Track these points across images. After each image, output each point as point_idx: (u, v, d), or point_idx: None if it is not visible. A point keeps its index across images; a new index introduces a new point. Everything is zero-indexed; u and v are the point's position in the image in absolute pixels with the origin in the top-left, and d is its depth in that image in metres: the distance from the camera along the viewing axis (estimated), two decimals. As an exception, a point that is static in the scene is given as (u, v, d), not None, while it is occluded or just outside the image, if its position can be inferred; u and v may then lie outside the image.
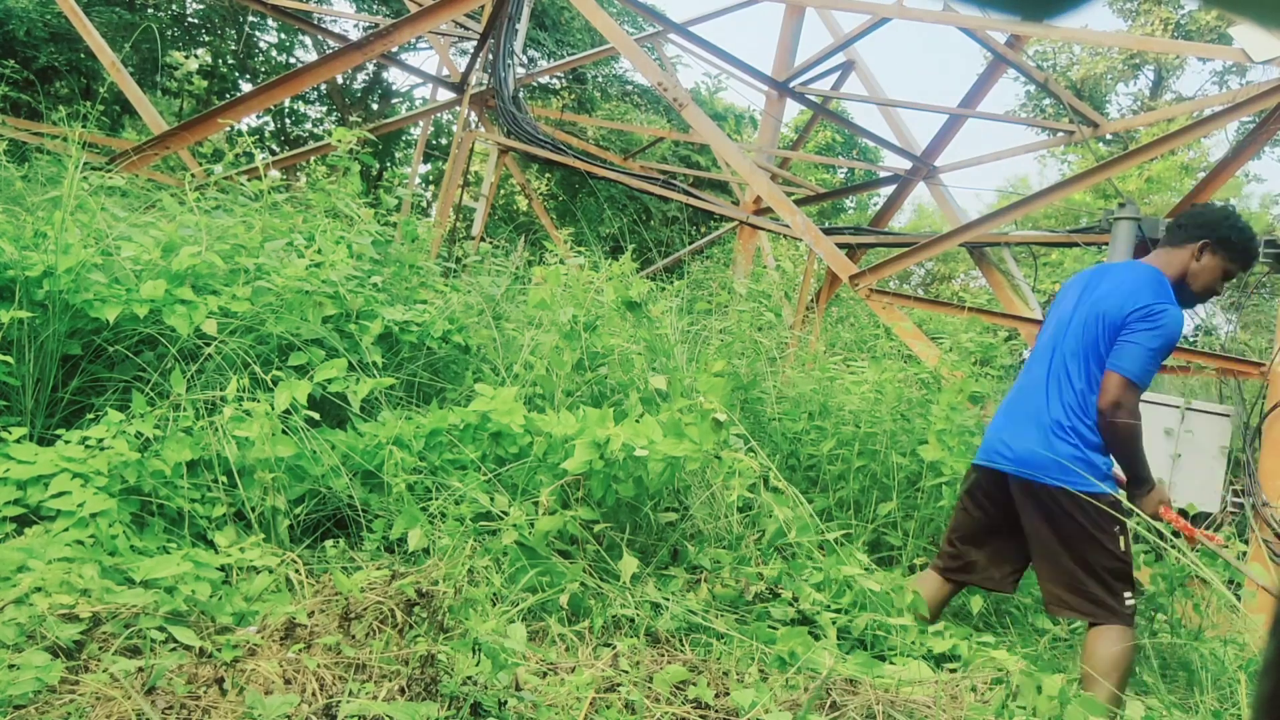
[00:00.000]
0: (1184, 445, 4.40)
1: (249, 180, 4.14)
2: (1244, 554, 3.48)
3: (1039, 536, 2.71)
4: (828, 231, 6.89)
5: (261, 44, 14.10)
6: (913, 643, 2.67)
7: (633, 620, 2.52)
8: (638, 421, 2.77)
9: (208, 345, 2.95)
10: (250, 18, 13.16)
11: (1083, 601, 2.63)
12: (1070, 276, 2.94)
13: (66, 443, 2.49)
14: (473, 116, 8.47)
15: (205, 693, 1.77)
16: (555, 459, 2.83)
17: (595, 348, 3.57)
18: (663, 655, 2.38)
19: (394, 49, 7.72)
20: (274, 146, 14.06)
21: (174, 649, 1.90)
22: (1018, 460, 2.71)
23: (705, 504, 3.22)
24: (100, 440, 2.48)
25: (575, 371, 3.48)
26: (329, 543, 2.63)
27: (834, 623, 2.66)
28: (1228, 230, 2.71)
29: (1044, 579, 2.73)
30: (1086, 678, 2.57)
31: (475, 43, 7.73)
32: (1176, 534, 3.06)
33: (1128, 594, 2.64)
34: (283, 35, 13.87)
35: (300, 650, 1.93)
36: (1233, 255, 2.73)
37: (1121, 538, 2.65)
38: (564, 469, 2.71)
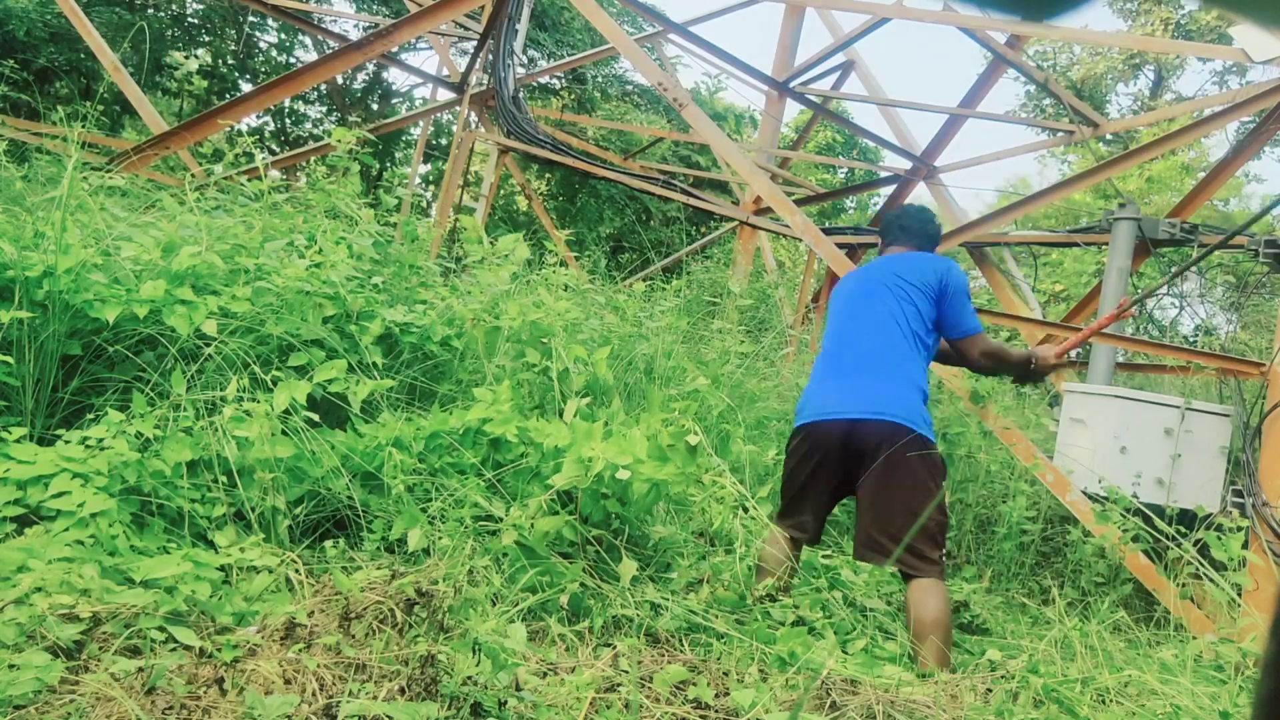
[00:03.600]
0: (1184, 445, 4.39)
1: (249, 180, 4.14)
2: (1243, 561, 3.49)
3: (875, 486, 2.83)
4: (828, 231, 6.89)
5: (261, 44, 14.09)
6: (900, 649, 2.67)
7: (633, 620, 2.52)
8: (621, 424, 2.77)
9: (208, 345, 2.95)
10: (250, 18, 13.15)
11: (906, 554, 2.77)
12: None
13: (66, 443, 2.49)
14: (473, 116, 8.47)
15: (205, 693, 1.77)
16: (547, 470, 2.83)
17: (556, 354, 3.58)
18: (663, 655, 2.38)
19: (394, 49, 7.72)
20: (274, 146, 14.05)
21: (174, 649, 1.90)
22: (872, 410, 2.86)
23: (688, 519, 3.23)
24: (100, 440, 2.48)
25: (544, 375, 3.50)
26: (329, 543, 2.63)
27: (831, 626, 2.66)
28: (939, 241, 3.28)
29: (871, 527, 2.84)
30: (916, 630, 2.70)
31: (475, 43, 7.73)
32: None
33: (944, 549, 2.85)
34: (283, 35, 13.85)
35: (300, 650, 1.93)
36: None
37: (945, 495, 2.91)
38: (550, 484, 2.71)
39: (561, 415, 3.06)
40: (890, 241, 3.27)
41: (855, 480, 2.93)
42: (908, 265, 3.05)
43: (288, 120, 14.61)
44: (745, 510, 3.12)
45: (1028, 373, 3.17)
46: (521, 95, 7.86)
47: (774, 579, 2.90)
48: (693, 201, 6.81)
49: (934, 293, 2.99)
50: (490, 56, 7.73)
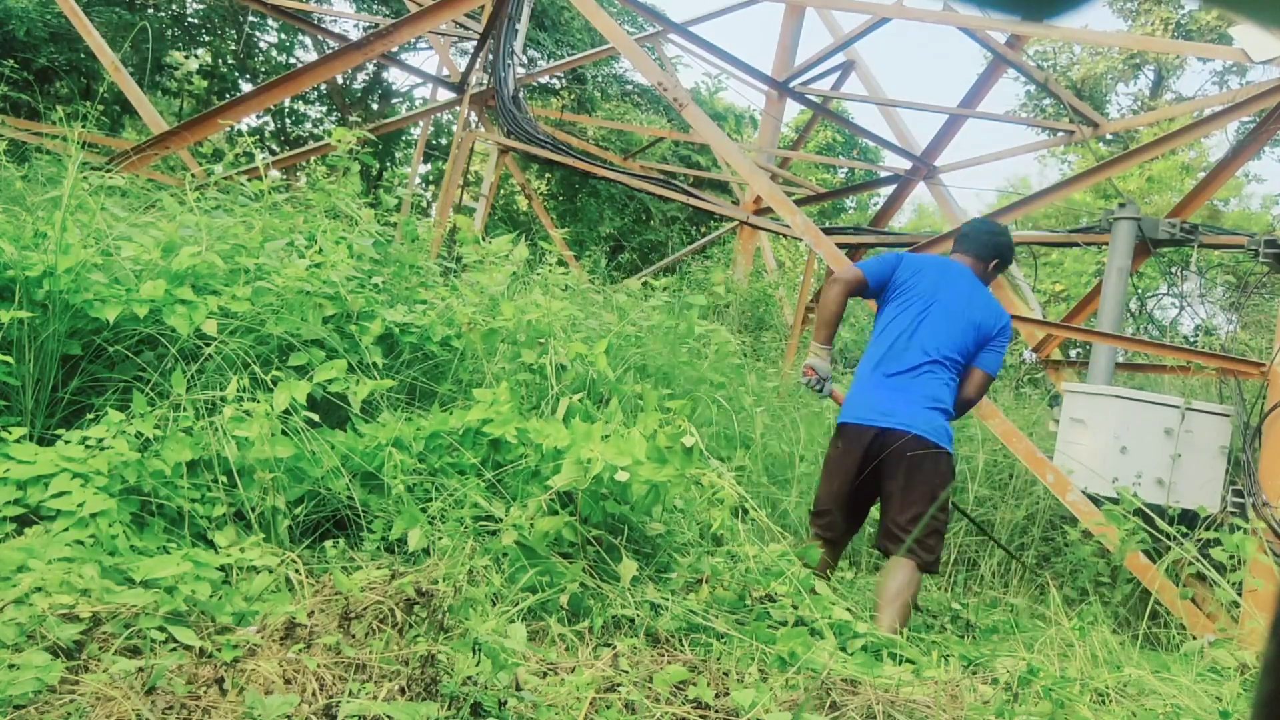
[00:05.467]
0: (1184, 445, 4.39)
1: (249, 180, 4.14)
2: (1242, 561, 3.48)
3: (903, 485, 3.22)
4: (828, 231, 6.89)
5: (261, 44, 14.07)
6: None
7: (633, 620, 2.52)
8: (621, 425, 2.77)
9: (208, 345, 2.95)
10: (250, 18, 13.14)
11: (918, 545, 3.18)
12: (924, 260, 3.51)
13: (66, 443, 2.49)
14: (473, 116, 8.46)
15: (205, 693, 1.77)
16: (547, 470, 2.82)
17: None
18: (663, 655, 2.38)
19: (394, 49, 7.72)
20: (274, 146, 14.03)
21: (174, 649, 1.90)
22: (904, 422, 3.23)
23: (688, 522, 3.23)
24: (100, 440, 2.48)
25: (540, 376, 3.52)
26: (329, 543, 2.63)
27: (831, 626, 2.66)
28: (1009, 253, 3.60)
29: (895, 522, 3.24)
30: (882, 596, 3.11)
31: (475, 43, 7.73)
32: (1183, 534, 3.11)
33: (938, 545, 3.29)
34: (283, 35, 13.84)
35: (300, 650, 1.93)
36: (1004, 269, 3.63)
37: (948, 495, 3.37)
38: (549, 485, 2.70)
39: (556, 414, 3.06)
40: (959, 249, 3.55)
41: (877, 482, 3.30)
42: (982, 309, 3.37)
43: (288, 120, 14.60)
44: (745, 511, 3.12)
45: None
46: (521, 95, 7.85)
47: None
48: (693, 201, 6.80)
49: (989, 338, 3.38)
50: (490, 56, 7.72)
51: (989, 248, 3.49)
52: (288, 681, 1.83)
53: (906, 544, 3.16)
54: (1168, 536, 3.70)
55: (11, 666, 1.69)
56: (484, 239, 4.18)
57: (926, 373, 3.29)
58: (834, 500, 3.36)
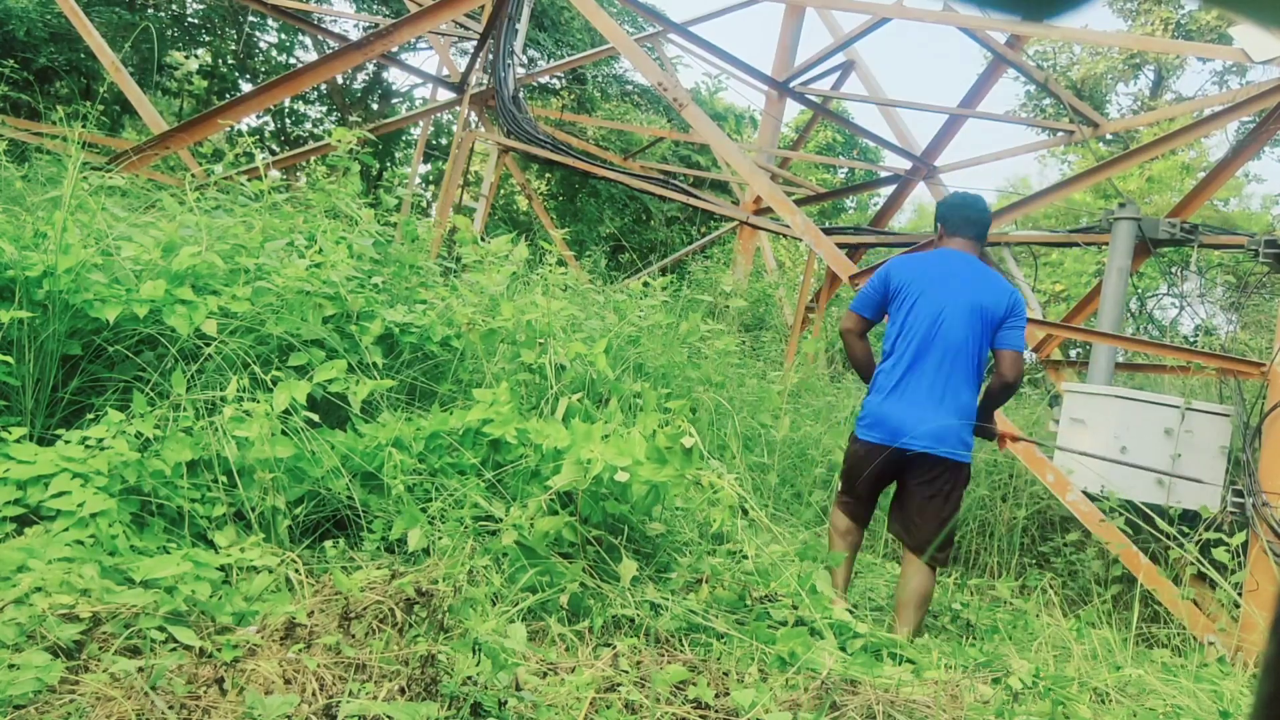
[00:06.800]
0: (1184, 445, 4.39)
1: (249, 180, 4.14)
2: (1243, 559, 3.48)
3: (928, 493, 3.30)
4: (828, 231, 6.89)
5: (261, 44, 14.07)
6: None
7: (633, 620, 2.52)
8: (620, 426, 2.76)
9: (208, 345, 2.95)
10: (250, 18, 13.14)
11: (943, 551, 3.32)
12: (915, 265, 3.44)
13: (66, 443, 2.49)
14: (473, 116, 8.46)
15: (205, 693, 1.77)
16: (547, 470, 2.82)
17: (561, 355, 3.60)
18: (663, 655, 2.38)
19: (394, 49, 7.72)
20: (274, 146, 14.03)
21: (174, 649, 1.90)
22: (930, 444, 3.25)
23: (688, 521, 3.23)
24: (100, 440, 2.48)
25: (539, 376, 3.52)
26: (329, 543, 2.63)
27: (831, 626, 2.66)
28: (989, 223, 3.59)
29: (913, 521, 3.33)
30: (904, 597, 3.25)
31: (475, 43, 7.73)
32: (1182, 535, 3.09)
33: (950, 543, 3.40)
34: (283, 35, 13.83)
35: (300, 650, 1.93)
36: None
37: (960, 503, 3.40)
38: (549, 485, 2.70)
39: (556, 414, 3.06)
40: (953, 232, 3.50)
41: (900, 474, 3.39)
42: (988, 292, 3.32)
43: (288, 120, 14.60)
44: (745, 512, 3.13)
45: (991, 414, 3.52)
46: (521, 95, 7.85)
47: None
48: (693, 201, 6.80)
49: (999, 322, 3.33)
50: (490, 56, 7.72)
51: (980, 226, 3.52)
52: (288, 681, 1.83)
53: (929, 551, 3.28)
54: (1168, 537, 3.70)
55: (11, 666, 1.69)
56: (484, 239, 4.18)
57: (952, 379, 3.27)
58: (859, 486, 3.46)
